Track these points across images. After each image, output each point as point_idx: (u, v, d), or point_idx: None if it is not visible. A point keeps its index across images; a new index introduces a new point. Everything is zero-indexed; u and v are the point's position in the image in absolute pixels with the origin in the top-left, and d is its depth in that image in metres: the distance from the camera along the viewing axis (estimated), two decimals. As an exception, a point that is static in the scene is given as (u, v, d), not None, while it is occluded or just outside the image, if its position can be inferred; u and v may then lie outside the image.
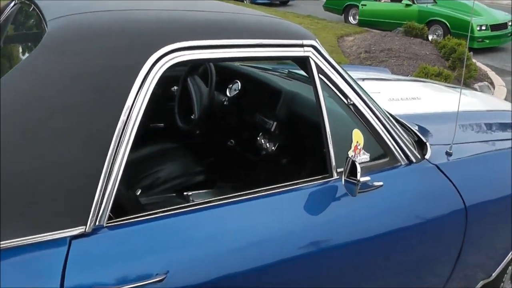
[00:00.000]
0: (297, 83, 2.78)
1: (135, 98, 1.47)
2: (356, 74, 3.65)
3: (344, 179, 1.74)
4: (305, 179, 1.80)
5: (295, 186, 1.76)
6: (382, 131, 1.94)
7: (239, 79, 2.95)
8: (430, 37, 11.55)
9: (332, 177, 1.81)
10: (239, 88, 2.93)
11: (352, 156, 1.86)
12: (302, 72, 2.45)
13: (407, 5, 12.87)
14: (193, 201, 2.58)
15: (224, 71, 3.04)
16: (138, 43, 1.49)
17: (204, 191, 2.73)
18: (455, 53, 9.05)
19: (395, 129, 1.98)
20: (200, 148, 3.24)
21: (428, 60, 8.90)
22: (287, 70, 3.08)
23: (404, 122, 2.39)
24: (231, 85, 2.98)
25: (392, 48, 9.19)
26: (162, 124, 3.39)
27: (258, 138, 2.92)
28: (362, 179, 1.69)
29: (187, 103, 2.99)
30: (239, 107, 2.98)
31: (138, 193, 2.61)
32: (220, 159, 3.24)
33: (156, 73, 1.50)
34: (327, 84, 1.82)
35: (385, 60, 8.69)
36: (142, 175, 2.85)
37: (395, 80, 3.76)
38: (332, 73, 1.82)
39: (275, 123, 2.72)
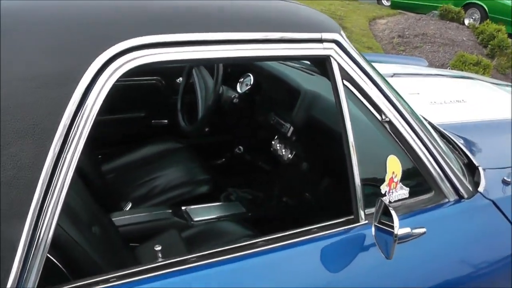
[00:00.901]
0: (320, 80, 2.32)
1: (71, 125, 1.01)
2: (390, 66, 3.22)
3: (375, 225, 1.29)
4: (321, 224, 1.35)
5: (308, 237, 1.31)
6: (427, 158, 1.48)
7: (251, 72, 2.52)
8: (466, 22, 10.87)
9: (358, 221, 1.36)
10: (251, 82, 2.50)
11: (386, 192, 1.42)
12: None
13: (443, -14, 12.18)
14: (190, 217, 2.18)
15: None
16: (77, 41, 1.04)
17: (204, 206, 2.32)
18: (494, 40, 8.44)
19: (443, 154, 1.52)
20: (205, 151, 2.83)
21: (465, 47, 8.32)
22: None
23: (450, 136, 1.92)
24: (242, 79, 2.56)
25: (427, 33, 8.60)
26: (165, 121, 2.98)
27: (273, 143, 2.50)
28: (401, 231, 1.24)
29: (191, 99, 2.58)
30: (251, 106, 2.55)
31: (128, 208, 2.22)
32: (227, 166, 2.83)
33: (104, 84, 1.05)
34: (354, 94, 1.37)
35: (420, 46, 8.12)
36: (136, 183, 2.46)
37: (434, 76, 3.26)
38: (362, 79, 1.36)
39: (291, 127, 2.29)
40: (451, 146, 1.86)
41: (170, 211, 2.17)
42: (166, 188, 2.40)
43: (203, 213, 2.27)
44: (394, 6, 12.91)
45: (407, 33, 8.75)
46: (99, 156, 2.71)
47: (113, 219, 2.02)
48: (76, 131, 1.00)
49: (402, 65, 3.50)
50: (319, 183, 2.36)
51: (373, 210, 1.33)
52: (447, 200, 1.54)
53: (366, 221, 1.36)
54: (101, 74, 1.02)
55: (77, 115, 1.01)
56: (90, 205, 1.51)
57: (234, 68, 2.68)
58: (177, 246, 1.88)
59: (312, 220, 1.37)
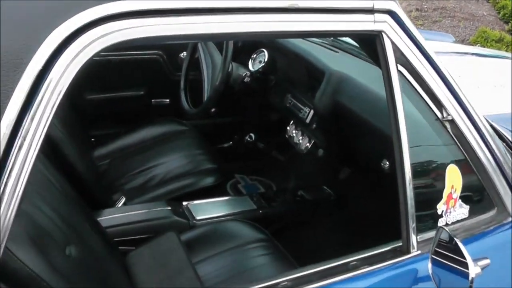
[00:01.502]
0: (346, 59, 2.00)
1: (18, 123, 0.70)
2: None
3: (432, 258, 0.98)
4: (361, 256, 1.03)
5: (344, 276, 0.99)
6: (492, 166, 1.15)
7: (265, 48, 2.18)
8: None
9: (409, 252, 1.04)
10: (266, 59, 2.16)
11: (443, 212, 1.10)
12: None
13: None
14: (191, 215, 1.88)
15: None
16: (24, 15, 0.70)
17: (208, 201, 2.02)
18: (516, 16, 8.02)
19: (508, 161, 1.19)
20: (211, 134, 2.52)
21: (486, 22, 7.94)
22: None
23: (503, 133, 1.59)
24: (254, 55, 2.22)
25: (446, 7, 8.18)
26: (167, 100, 2.66)
27: (288, 128, 2.19)
28: (472, 270, 0.92)
29: (196, 77, 2.25)
30: (264, 86, 2.23)
31: (121, 204, 1.92)
32: (235, 151, 2.52)
33: (65, 70, 0.71)
34: (411, 83, 1.03)
35: (439, 20, 7.71)
36: (131, 172, 2.15)
37: (471, 54, 2.89)
38: (421, 64, 1.02)
39: (311, 111, 1.98)
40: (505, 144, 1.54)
41: (169, 208, 1.87)
42: (165, 179, 2.10)
43: (207, 210, 1.97)
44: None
45: (425, 6, 8.34)
46: (92, 140, 2.45)
47: (101, 218, 1.73)
48: (27, 130, 0.69)
49: (428, 39, 3.13)
50: (341, 178, 2.07)
51: (426, 236, 1.01)
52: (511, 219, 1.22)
53: (419, 252, 1.04)
54: (59, 56, 0.69)
55: (27, 110, 0.69)
56: (67, 214, 1.21)
57: (246, 43, 2.34)
58: (175, 253, 1.59)
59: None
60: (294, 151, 2.16)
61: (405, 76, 1.02)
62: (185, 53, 2.40)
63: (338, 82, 1.74)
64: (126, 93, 2.56)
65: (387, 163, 1.56)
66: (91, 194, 1.81)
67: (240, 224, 1.82)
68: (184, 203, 1.96)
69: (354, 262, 1.02)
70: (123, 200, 1.93)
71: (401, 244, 1.05)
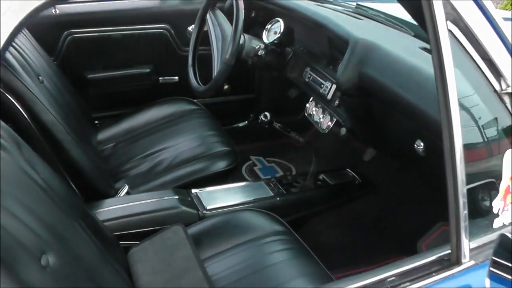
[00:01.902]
0: (375, 26, 1.78)
1: None
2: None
3: (490, 271, 0.77)
4: (403, 269, 0.82)
5: None
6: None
7: (281, 17, 1.97)
8: None
9: (460, 263, 0.82)
10: (281, 30, 1.95)
11: (499, 210, 0.89)
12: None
13: None
14: (201, 204, 1.70)
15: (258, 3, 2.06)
16: None
17: (220, 188, 1.83)
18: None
19: None
20: (224, 112, 2.33)
21: None
22: (355, 3, 2.05)
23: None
24: (269, 26, 2.01)
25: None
26: (176, 78, 2.47)
27: (308, 106, 1.99)
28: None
29: (205, 51, 2.05)
30: (281, 59, 2.03)
31: (123, 193, 1.74)
32: (250, 131, 2.33)
33: None
34: (463, 46, 0.81)
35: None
36: (137, 156, 1.98)
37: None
38: (479, 22, 0.80)
39: (333, 86, 1.77)
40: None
41: (177, 197, 1.68)
42: (173, 164, 1.92)
43: (219, 198, 1.79)
44: None
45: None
46: (96, 122, 2.29)
47: (100, 210, 1.56)
48: None
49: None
50: (366, 160, 1.86)
51: (480, 241, 0.80)
52: None
53: (472, 262, 0.83)
54: None
55: None
56: (50, 216, 1.02)
57: (260, 12, 2.13)
58: (182, 249, 1.41)
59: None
60: (314, 131, 1.95)
61: (456, 37, 0.80)
62: (193, 26, 2.19)
63: (365, 52, 1.52)
64: (131, 71, 2.40)
65: (422, 144, 1.35)
66: (90, 184, 1.64)
67: (255, 214, 1.63)
68: (194, 190, 1.78)
69: (392, 278, 0.82)
70: (126, 189, 1.75)
71: (449, 252, 0.84)
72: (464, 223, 0.82)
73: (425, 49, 1.54)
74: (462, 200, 0.80)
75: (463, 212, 0.81)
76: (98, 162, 1.85)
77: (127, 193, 1.74)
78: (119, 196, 1.71)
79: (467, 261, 0.84)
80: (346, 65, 1.54)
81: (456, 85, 0.78)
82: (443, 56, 0.75)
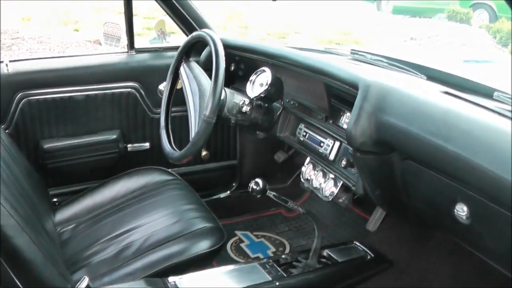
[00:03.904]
0: (379, 71, 1.53)
1: None
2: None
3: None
4: None
5: None
6: None
7: (267, 66, 1.71)
8: (474, 23, 10.61)
9: None
10: (269, 81, 1.67)
11: None
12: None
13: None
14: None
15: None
16: None
17: (205, 272, 1.52)
18: (515, 36, 8.25)
19: None
20: (205, 184, 2.05)
21: (484, 47, 8.17)
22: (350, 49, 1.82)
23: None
24: (253, 77, 1.75)
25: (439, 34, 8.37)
26: (146, 144, 2.18)
27: (304, 169, 1.79)
28: None
29: (180, 113, 1.78)
30: (269, 116, 1.76)
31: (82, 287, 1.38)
32: (235, 206, 2.07)
33: None
34: None
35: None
36: (100, 240, 1.64)
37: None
38: None
39: (336, 144, 1.51)
40: None
41: (150, 290, 1.33)
42: (144, 247, 1.58)
43: (204, 287, 1.44)
44: (396, 11, 12.49)
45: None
46: (54, 200, 2.01)
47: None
48: None
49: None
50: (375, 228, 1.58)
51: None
52: None
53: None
54: None
55: None
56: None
57: (240, 64, 1.88)
58: None
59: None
60: (309, 197, 1.66)
61: None
62: (165, 83, 1.92)
63: (381, 96, 1.23)
64: (95, 138, 2.11)
65: (465, 209, 1.06)
66: (38, 278, 1.29)
67: None
68: (171, 279, 1.46)
69: None
70: (85, 282, 1.39)
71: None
72: None
73: (447, 93, 1.28)
74: None
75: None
76: (51, 250, 1.51)
77: (87, 286, 1.39)
78: (76, 293, 1.35)
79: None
80: (359, 114, 1.25)
81: None
82: None
